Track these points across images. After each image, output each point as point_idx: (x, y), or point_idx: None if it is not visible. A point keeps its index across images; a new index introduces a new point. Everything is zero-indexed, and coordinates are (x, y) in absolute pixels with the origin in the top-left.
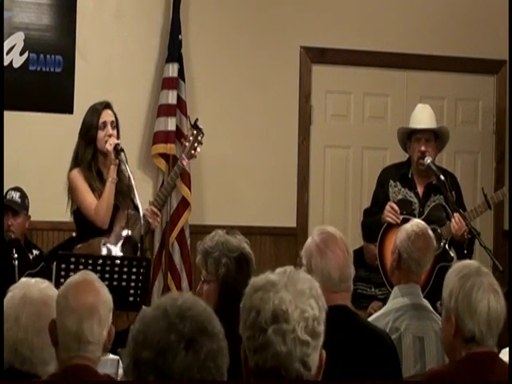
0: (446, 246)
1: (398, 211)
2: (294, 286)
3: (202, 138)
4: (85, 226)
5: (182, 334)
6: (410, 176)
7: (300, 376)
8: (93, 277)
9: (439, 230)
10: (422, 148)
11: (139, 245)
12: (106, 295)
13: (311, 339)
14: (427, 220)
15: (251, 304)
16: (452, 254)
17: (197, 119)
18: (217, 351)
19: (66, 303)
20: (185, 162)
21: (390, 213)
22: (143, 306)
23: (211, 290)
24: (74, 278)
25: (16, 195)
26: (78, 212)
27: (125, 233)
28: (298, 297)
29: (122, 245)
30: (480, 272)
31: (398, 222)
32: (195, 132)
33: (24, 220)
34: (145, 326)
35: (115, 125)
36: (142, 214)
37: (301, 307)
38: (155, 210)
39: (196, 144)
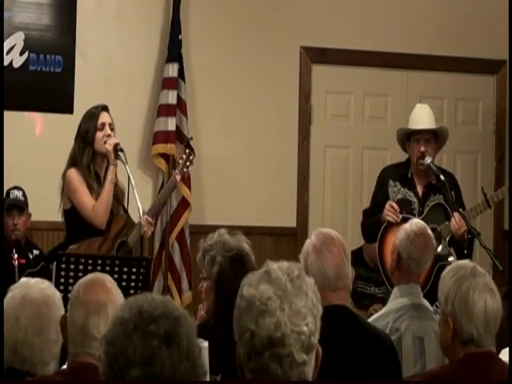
0: (446, 245)
1: (398, 210)
2: (289, 304)
3: (193, 158)
4: (77, 226)
5: (161, 335)
6: (409, 176)
7: None
8: (107, 278)
9: (439, 229)
10: (422, 148)
11: (140, 248)
12: (117, 296)
13: (307, 355)
14: (427, 219)
15: (246, 325)
16: (452, 253)
17: (191, 138)
18: (193, 334)
19: (76, 296)
20: (178, 178)
21: (390, 212)
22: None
23: (208, 288)
24: (90, 275)
25: (19, 194)
26: (70, 211)
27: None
28: (294, 318)
29: (117, 251)
30: (475, 273)
31: (398, 220)
32: (187, 151)
33: (27, 218)
34: (121, 347)
35: (113, 127)
36: (141, 213)
37: (297, 330)
38: (150, 219)
39: (188, 163)
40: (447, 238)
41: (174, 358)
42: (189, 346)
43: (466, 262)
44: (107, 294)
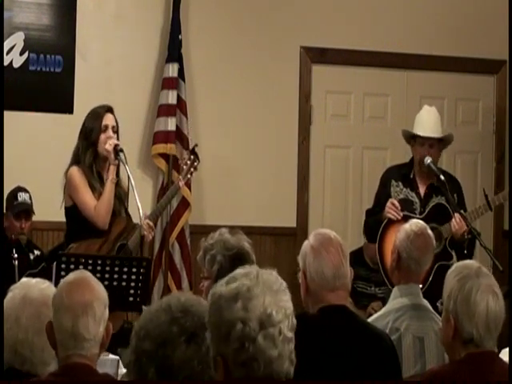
0: (447, 244)
1: (399, 207)
2: (269, 287)
3: (197, 164)
4: (77, 224)
5: (184, 328)
6: (411, 176)
7: (288, 375)
8: (86, 274)
9: (440, 229)
10: (426, 153)
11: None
12: (100, 291)
13: (292, 333)
14: (428, 218)
15: (233, 316)
16: (452, 252)
17: (196, 145)
18: None
19: (60, 302)
20: (181, 184)
21: (391, 209)
22: (144, 306)
23: (208, 287)
24: (68, 277)
25: (27, 197)
26: (70, 209)
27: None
28: (277, 297)
29: (117, 254)
30: (479, 273)
31: (399, 218)
32: (192, 157)
33: (32, 221)
34: (147, 321)
35: (116, 130)
36: (141, 214)
37: (284, 306)
38: (151, 223)
39: (192, 169)
40: (448, 239)
41: (187, 353)
42: (208, 353)
43: (471, 262)
44: (91, 293)
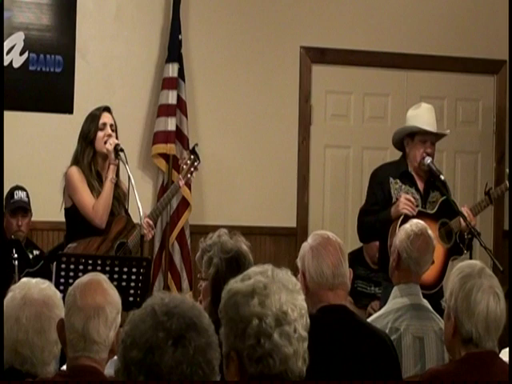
0: (457, 239)
1: (415, 203)
2: (284, 286)
3: (198, 164)
4: (77, 225)
5: (170, 331)
6: (410, 173)
7: (301, 374)
8: (102, 278)
9: (450, 224)
10: (429, 150)
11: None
12: (114, 296)
13: (306, 334)
14: (439, 214)
15: (250, 312)
16: (463, 249)
17: (196, 145)
18: (206, 346)
19: (73, 302)
20: (181, 183)
21: (407, 205)
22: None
23: (205, 289)
24: (84, 277)
25: (23, 195)
26: (70, 210)
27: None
28: (293, 295)
29: (116, 253)
30: (482, 273)
31: (414, 213)
32: (192, 157)
33: (30, 219)
34: (133, 327)
35: (114, 128)
36: (141, 213)
37: (299, 305)
38: (151, 222)
39: (192, 169)
40: (457, 233)
41: (176, 357)
42: (196, 354)
43: (475, 261)
44: (104, 296)
